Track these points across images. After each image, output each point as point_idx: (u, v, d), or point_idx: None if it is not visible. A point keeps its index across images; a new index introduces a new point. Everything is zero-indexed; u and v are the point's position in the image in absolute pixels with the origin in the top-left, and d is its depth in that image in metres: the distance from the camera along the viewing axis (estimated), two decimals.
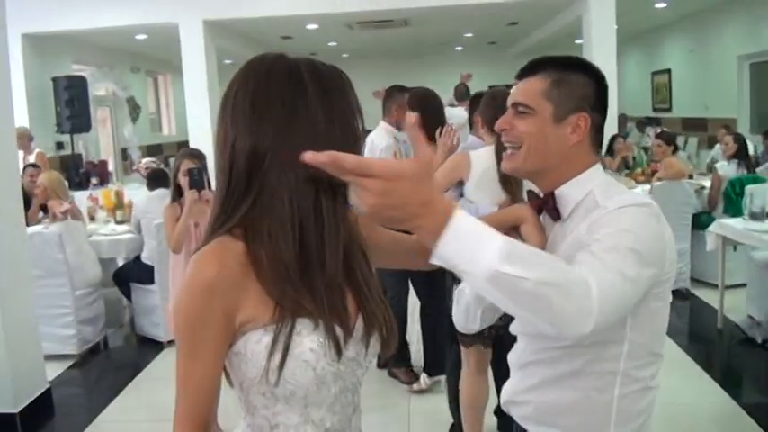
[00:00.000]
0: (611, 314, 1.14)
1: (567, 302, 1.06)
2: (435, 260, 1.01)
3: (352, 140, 1.13)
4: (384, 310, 1.23)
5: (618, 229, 1.25)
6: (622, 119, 11.33)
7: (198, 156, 3.68)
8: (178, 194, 3.64)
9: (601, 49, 8.14)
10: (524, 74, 1.46)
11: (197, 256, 1.12)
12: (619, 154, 7.38)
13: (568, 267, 1.13)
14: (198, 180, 3.46)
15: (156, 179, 5.61)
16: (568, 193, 1.42)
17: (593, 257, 1.20)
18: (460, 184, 3.02)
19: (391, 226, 1.04)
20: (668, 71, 12.24)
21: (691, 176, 6.15)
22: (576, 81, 1.40)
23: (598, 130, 1.43)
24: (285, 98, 1.10)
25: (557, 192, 1.43)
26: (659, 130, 7.31)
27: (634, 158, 7.38)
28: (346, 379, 1.19)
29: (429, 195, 0.95)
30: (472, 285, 1.07)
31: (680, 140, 10.84)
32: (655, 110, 12.84)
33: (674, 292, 5.01)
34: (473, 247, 0.99)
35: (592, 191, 1.39)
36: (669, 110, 12.26)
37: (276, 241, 1.10)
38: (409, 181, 0.93)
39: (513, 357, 1.58)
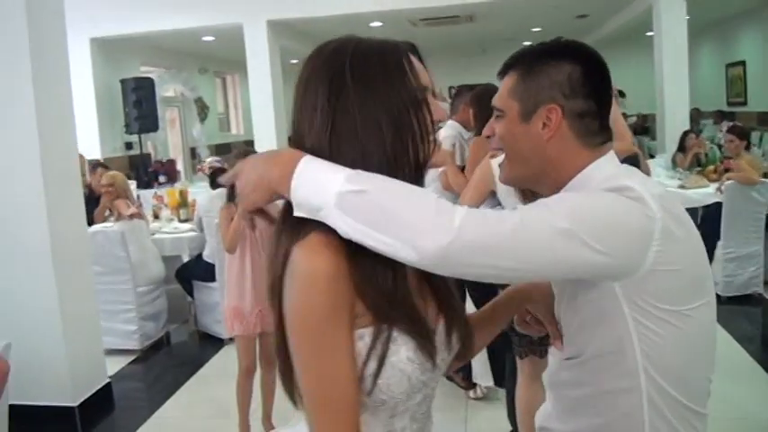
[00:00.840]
0: (486, 239, 1.00)
1: (418, 213, 0.98)
2: (296, 210, 1.01)
3: (407, 135, 1.07)
4: (462, 311, 1.18)
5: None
6: (695, 113, 10.92)
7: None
8: (234, 195, 3.53)
9: (671, 41, 7.87)
10: (501, 74, 1.34)
11: (306, 248, 1.01)
12: (690, 151, 7.08)
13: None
14: None
15: (217, 177, 5.66)
16: None
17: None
18: (493, 194, 2.92)
19: (262, 200, 1.07)
20: (743, 63, 11.73)
21: (765, 174, 5.84)
22: (547, 70, 1.25)
23: (583, 117, 1.24)
24: (320, 104, 1.07)
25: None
26: (731, 125, 6.98)
27: (706, 155, 7.07)
28: (429, 386, 1.14)
29: (270, 154, 1.05)
30: (333, 226, 0.99)
31: (755, 136, 10.36)
32: (729, 104, 12.32)
33: (745, 296, 4.83)
34: (322, 179, 0.99)
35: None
36: (744, 103, 11.74)
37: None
38: (251, 158, 1.06)
39: (545, 377, 1.46)
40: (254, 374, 3.54)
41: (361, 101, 1.04)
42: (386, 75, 1.06)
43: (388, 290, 1.05)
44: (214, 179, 5.75)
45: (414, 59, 1.11)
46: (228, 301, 3.49)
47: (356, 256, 1.02)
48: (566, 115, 1.23)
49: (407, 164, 1.07)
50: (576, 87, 1.23)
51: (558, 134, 1.23)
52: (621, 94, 11.84)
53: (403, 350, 1.04)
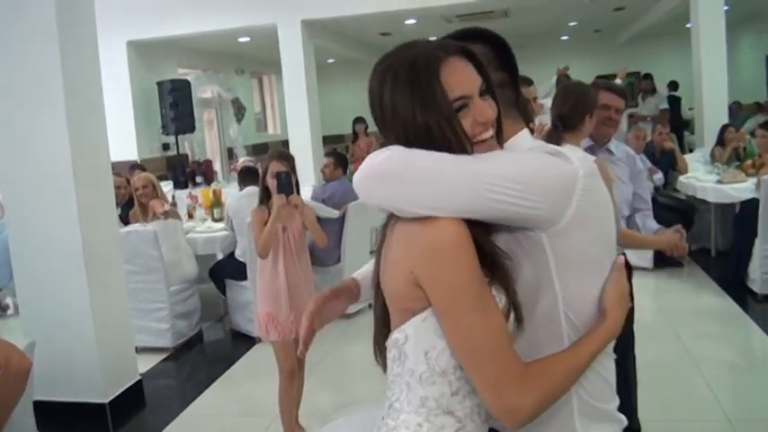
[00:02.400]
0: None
1: None
2: None
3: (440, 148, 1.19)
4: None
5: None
6: (735, 107, 10.65)
7: (287, 158, 3.50)
8: (266, 197, 3.48)
9: (709, 33, 7.71)
10: None
11: (434, 223, 1.15)
12: (729, 144, 6.92)
13: None
14: (286, 184, 3.32)
15: (246, 177, 5.72)
16: None
17: None
18: None
19: None
20: None
21: None
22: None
23: (503, 88, 1.34)
24: (377, 101, 1.25)
25: None
26: (764, 120, 6.81)
27: (745, 149, 6.90)
28: None
29: None
30: None
31: None
32: None
33: None
34: None
35: None
36: None
37: None
38: None
39: None
40: (296, 377, 3.48)
41: (392, 118, 1.21)
42: (413, 93, 1.18)
43: (494, 250, 1.21)
44: (242, 179, 5.80)
45: (459, 63, 1.21)
46: (262, 307, 3.42)
47: (468, 222, 1.16)
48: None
49: None
50: (491, 60, 1.35)
51: None
52: (674, 85, 11.62)
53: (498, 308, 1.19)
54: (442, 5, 8.68)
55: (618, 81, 8.00)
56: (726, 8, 7.78)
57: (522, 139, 1.36)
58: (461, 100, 1.19)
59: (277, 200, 3.32)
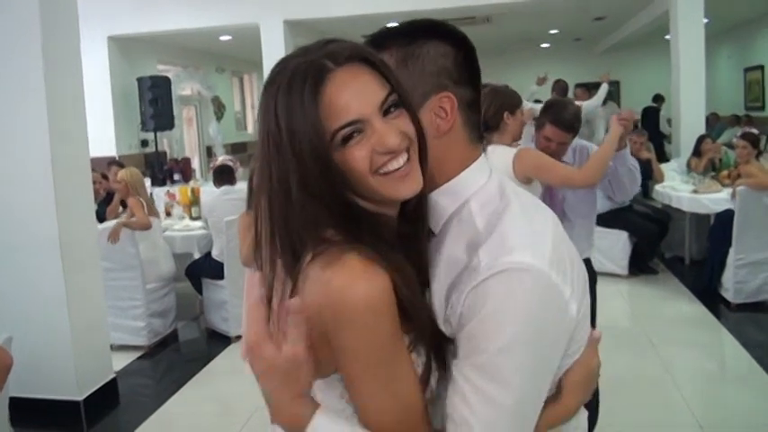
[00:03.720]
0: None
1: None
2: None
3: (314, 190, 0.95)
4: None
5: (494, 329, 0.94)
6: (713, 118, 10.80)
7: None
8: (252, 201, 3.22)
9: (689, 45, 7.80)
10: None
11: (351, 269, 0.90)
12: (705, 155, 7.02)
13: None
14: None
15: (222, 175, 5.67)
16: (439, 203, 1.08)
17: (471, 393, 0.95)
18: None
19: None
20: (761, 67, 11.60)
21: None
22: (428, 52, 1.06)
23: (471, 108, 1.10)
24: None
25: (429, 199, 1.08)
26: (745, 131, 6.91)
27: (721, 160, 7.00)
28: None
29: (286, 384, 0.98)
30: None
31: None
32: (747, 108, 12.20)
33: (755, 304, 4.77)
34: None
35: (468, 201, 1.06)
36: (762, 108, 11.62)
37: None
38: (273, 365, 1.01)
39: None
40: None
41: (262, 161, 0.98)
42: (290, 112, 0.93)
43: (423, 304, 1.00)
44: (218, 177, 5.74)
45: (350, 76, 0.95)
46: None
47: (395, 270, 0.93)
48: (459, 104, 1.07)
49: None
50: (463, 73, 1.08)
51: (453, 127, 1.07)
52: (657, 98, 11.77)
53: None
54: (424, 10, 8.69)
55: (603, 87, 8.11)
56: (705, 21, 7.89)
57: (470, 179, 1.08)
58: (351, 126, 0.94)
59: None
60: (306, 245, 0.95)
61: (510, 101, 2.91)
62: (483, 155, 1.12)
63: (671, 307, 5.63)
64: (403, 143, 0.96)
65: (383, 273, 0.91)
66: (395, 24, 1.13)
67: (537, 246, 0.98)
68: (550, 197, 3.07)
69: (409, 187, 0.98)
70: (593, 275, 3.02)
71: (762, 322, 5.12)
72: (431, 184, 1.05)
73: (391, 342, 0.93)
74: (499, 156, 2.78)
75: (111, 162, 7.07)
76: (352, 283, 0.89)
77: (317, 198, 0.94)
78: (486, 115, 2.85)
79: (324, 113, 0.92)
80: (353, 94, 0.94)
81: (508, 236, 0.98)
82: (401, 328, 0.94)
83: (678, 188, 6.62)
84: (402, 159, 0.96)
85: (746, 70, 12.34)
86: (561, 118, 2.99)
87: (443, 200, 1.07)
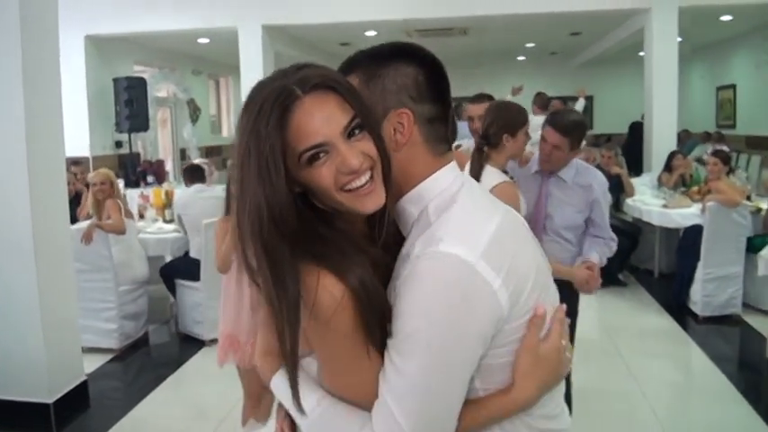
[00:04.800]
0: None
1: None
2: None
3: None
4: None
5: (410, 310, 1.06)
6: (684, 134, 10.98)
7: None
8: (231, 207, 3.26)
9: (662, 62, 7.94)
10: None
11: (322, 280, 1.04)
12: (676, 171, 7.15)
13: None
14: None
15: (193, 174, 5.64)
16: (406, 210, 1.19)
17: (389, 369, 1.07)
18: None
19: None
20: (733, 86, 11.84)
21: (748, 197, 5.91)
22: (388, 72, 1.17)
23: (432, 123, 1.19)
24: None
25: (397, 206, 1.19)
26: (716, 148, 7.07)
27: (691, 176, 7.14)
28: None
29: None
30: None
31: (742, 159, 10.45)
32: (719, 126, 12.43)
33: (723, 317, 4.85)
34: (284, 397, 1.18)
35: (428, 205, 1.16)
36: (733, 126, 11.85)
37: None
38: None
39: None
40: (267, 404, 3.25)
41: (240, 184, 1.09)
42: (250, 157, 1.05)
43: (381, 300, 1.11)
44: (189, 176, 5.71)
45: (316, 103, 1.06)
46: (223, 327, 3.21)
47: (357, 280, 1.07)
48: (416, 120, 1.17)
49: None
50: (423, 91, 1.18)
51: (410, 140, 1.17)
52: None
53: None
54: (402, 20, 8.76)
55: (580, 101, 8.24)
56: (679, 39, 8.04)
57: (432, 186, 1.18)
58: (317, 149, 1.05)
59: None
60: (284, 259, 1.06)
61: (513, 122, 2.87)
62: (452, 162, 1.22)
63: (640, 319, 5.71)
64: (365, 163, 1.07)
65: (344, 287, 1.04)
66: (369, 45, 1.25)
67: (469, 238, 1.08)
68: (536, 213, 3.10)
69: (373, 202, 1.09)
70: (575, 292, 3.07)
71: (729, 336, 5.23)
72: (398, 193, 1.18)
73: (350, 341, 1.06)
74: (483, 183, 2.75)
75: (75, 162, 7.01)
76: (322, 292, 1.03)
77: (283, 220, 1.06)
78: (488, 131, 2.85)
79: (292, 136, 1.04)
80: (319, 120, 1.05)
81: (440, 229, 1.10)
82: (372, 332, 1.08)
83: (648, 202, 6.73)
84: (364, 178, 1.08)
85: (719, 89, 12.58)
86: (557, 120, 3.05)
87: (409, 207, 1.18)
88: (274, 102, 1.03)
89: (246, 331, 3.13)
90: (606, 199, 3.19)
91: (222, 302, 3.26)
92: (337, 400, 1.11)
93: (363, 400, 1.09)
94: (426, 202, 1.16)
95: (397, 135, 1.17)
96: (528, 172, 3.20)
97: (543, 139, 3.05)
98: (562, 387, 1.26)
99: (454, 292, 1.05)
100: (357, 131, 1.08)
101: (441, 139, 1.21)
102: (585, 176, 3.14)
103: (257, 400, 3.27)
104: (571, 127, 3.02)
